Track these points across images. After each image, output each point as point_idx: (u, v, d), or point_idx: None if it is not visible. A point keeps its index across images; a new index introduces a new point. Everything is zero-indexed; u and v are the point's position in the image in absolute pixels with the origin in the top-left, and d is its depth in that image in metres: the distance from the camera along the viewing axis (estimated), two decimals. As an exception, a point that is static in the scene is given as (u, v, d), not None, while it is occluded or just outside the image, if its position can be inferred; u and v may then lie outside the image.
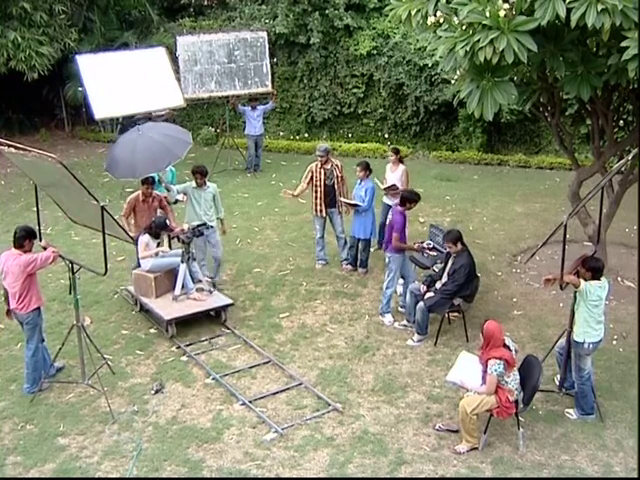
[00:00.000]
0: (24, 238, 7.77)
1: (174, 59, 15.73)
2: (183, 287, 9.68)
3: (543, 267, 11.40)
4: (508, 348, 6.98)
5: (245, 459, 7.00)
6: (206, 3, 20.77)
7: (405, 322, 9.52)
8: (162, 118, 14.66)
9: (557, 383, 7.99)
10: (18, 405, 7.87)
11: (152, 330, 9.51)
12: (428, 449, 7.15)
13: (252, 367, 8.61)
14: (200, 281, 9.97)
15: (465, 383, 7.19)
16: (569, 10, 7.47)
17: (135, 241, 9.85)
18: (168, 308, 9.42)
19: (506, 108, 16.45)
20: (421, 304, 9.02)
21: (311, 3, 17.67)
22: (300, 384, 8.24)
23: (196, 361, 8.73)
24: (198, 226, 10.00)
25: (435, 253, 10.10)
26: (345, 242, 11.38)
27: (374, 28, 18.14)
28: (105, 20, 18.32)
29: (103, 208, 6.89)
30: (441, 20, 8.49)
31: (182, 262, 9.69)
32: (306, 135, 19.24)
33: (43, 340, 8.22)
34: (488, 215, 13.88)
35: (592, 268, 7.27)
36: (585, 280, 7.25)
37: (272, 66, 17.03)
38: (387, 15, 17.77)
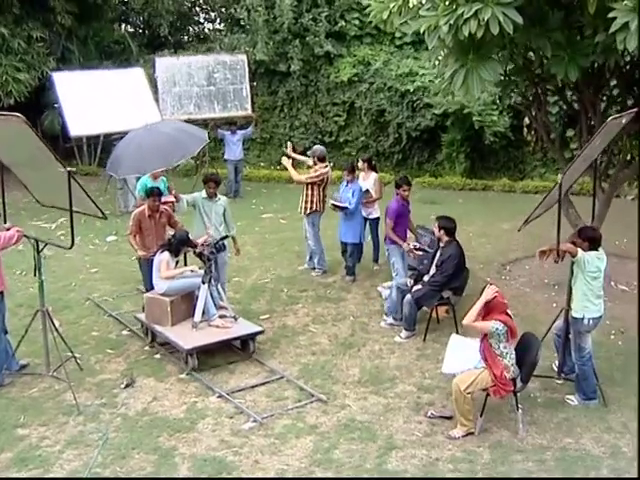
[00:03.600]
0: (-15, 217, 7.32)
1: (154, 86, 15.53)
2: (204, 313, 8.33)
3: (534, 274, 11.08)
4: (511, 317, 6.53)
5: (221, 446, 6.42)
6: (186, 39, 20.75)
7: (392, 320, 9.05)
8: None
9: (555, 369, 7.53)
10: (-24, 400, 7.28)
11: (124, 332, 8.97)
12: (420, 435, 6.61)
13: (230, 363, 8.08)
14: (223, 307, 8.67)
15: (465, 367, 6.67)
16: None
17: (148, 262, 8.83)
18: (187, 337, 8.03)
19: (490, 130, 16.39)
20: (408, 297, 8.58)
21: (291, 31, 17.67)
22: (281, 377, 7.71)
23: (170, 358, 8.19)
24: (221, 239, 8.81)
25: (421, 253, 9.73)
26: (312, 251, 11.03)
27: (355, 55, 18.12)
28: (84, 51, 18.16)
29: (70, 174, 6.48)
30: (423, 1, 8.33)
31: (203, 283, 8.35)
32: (287, 165, 18.97)
33: (6, 332, 7.69)
34: (474, 231, 13.54)
35: (589, 238, 6.90)
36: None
37: (252, 96, 16.85)
38: (368, 44, 18.12)
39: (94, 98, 13.55)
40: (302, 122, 18.75)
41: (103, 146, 18.22)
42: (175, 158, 8.91)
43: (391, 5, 9.29)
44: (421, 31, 8.09)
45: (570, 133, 14.76)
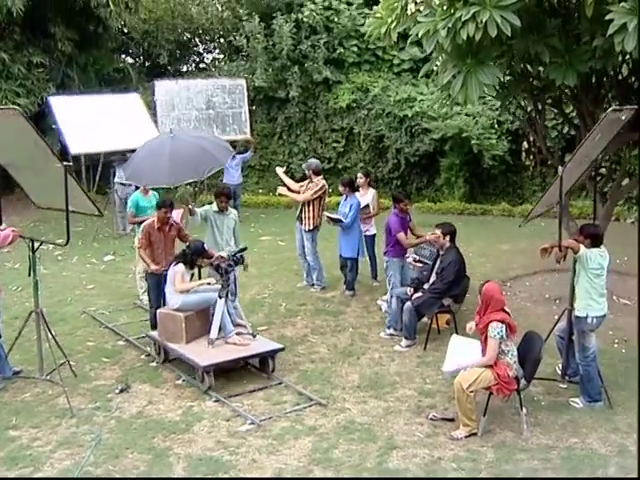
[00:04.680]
0: (-19, 217, 7.23)
1: (153, 109, 15.56)
2: (220, 330, 7.88)
3: (534, 290, 10.98)
4: (508, 314, 6.41)
5: (217, 447, 6.28)
6: (185, 68, 20.91)
7: (392, 331, 8.91)
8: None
9: (559, 372, 7.38)
10: (-32, 404, 7.13)
11: (120, 342, 8.83)
12: (422, 435, 6.46)
13: (227, 371, 7.91)
14: (240, 325, 8.28)
15: (463, 364, 6.53)
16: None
17: (159, 277, 8.48)
18: (203, 354, 7.59)
19: (488, 154, 16.36)
20: (408, 304, 8.47)
21: (290, 58, 17.76)
22: (280, 383, 7.57)
23: (167, 365, 8.04)
24: (240, 251, 8.44)
25: (421, 265, 9.66)
26: (310, 267, 10.90)
27: (353, 82, 18.17)
28: (84, 78, 18.17)
29: (66, 169, 6.42)
30: (421, 8, 8.36)
31: (220, 297, 7.88)
32: (286, 191, 18.94)
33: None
34: (474, 251, 13.40)
35: (591, 234, 6.83)
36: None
37: (252, 121, 16.88)
38: (366, 71, 18.23)
39: (92, 119, 13.53)
40: (301, 149, 18.74)
41: (102, 173, 18.24)
42: (206, 169, 8.50)
43: (389, 20, 9.34)
44: (419, 35, 8.09)
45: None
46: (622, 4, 7.25)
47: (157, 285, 8.61)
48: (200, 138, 8.97)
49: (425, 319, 8.80)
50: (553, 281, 11.26)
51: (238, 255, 8.35)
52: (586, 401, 6.90)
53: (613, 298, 10.34)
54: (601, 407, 6.88)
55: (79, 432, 6.51)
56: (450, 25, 7.61)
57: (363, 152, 18.22)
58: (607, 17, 7.26)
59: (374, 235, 11.04)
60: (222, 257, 8.19)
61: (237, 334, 8.00)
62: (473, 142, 16.16)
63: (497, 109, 17.04)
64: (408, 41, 8.95)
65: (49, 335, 7.45)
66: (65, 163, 6.43)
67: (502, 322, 6.28)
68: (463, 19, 7.47)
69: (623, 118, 6.81)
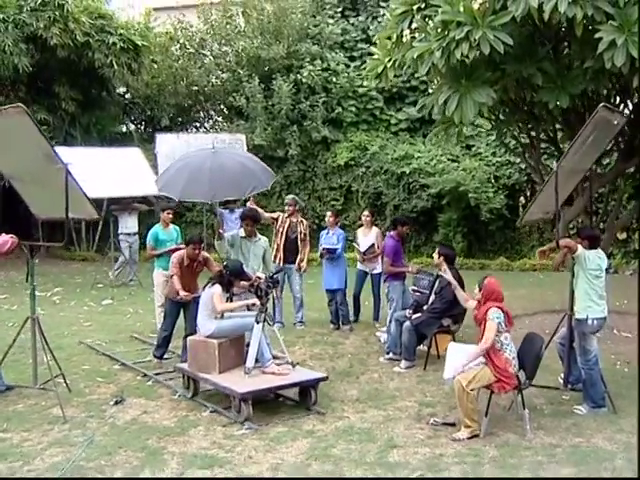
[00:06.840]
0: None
1: (153, 160, 15.79)
2: (257, 360, 7.22)
3: (534, 327, 10.87)
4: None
5: (212, 446, 6.13)
6: (187, 133, 21.28)
7: (391, 355, 8.80)
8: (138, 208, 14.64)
9: (561, 380, 7.27)
10: (-41, 414, 6.98)
11: (116, 366, 8.70)
12: (422, 437, 6.32)
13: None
14: (276, 357, 7.67)
15: (463, 363, 6.43)
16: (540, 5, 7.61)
17: (177, 305, 8.36)
18: (240, 383, 6.91)
19: (485, 207, 16.49)
20: (407, 323, 8.41)
21: (289, 117, 18.17)
22: (278, 397, 7.42)
23: (163, 383, 7.92)
24: (276, 272, 7.95)
25: (419, 294, 9.63)
26: (301, 303, 10.73)
27: (351, 141, 18.52)
28: (86, 137, 18.50)
29: (68, 171, 6.48)
30: (416, 34, 8.65)
31: (257, 322, 7.23)
32: (284, 250, 19.00)
33: (-7, 352, 7.48)
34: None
35: (588, 236, 6.87)
36: (583, 250, 6.81)
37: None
38: (364, 130, 18.55)
39: (94, 168, 13.66)
40: (299, 207, 18.88)
41: (101, 233, 18.39)
42: (249, 188, 8.35)
43: (386, 59, 9.65)
44: (414, 57, 8.31)
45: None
46: (610, 22, 7.51)
47: (175, 312, 8.51)
48: (242, 156, 8.99)
49: (424, 347, 8.72)
50: (553, 320, 11.14)
51: (276, 277, 7.94)
52: (590, 407, 6.77)
53: (614, 332, 10.34)
54: (605, 413, 6.75)
55: (71, 435, 6.37)
56: (444, 45, 7.86)
57: (361, 209, 18.32)
58: (596, 35, 7.51)
59: (380, 273, 10.62)
60: (260, 278, 7.74)
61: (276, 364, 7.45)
62: (470, 195, 16.32)
63: (494, 164, 17.36)
64: (405, 70, 9.18)
65: (44, 345, 7.34)
66: (67, 163, 6.47)
67: (501, 309, 6.28)
68: (457, 38, 7.73)
69: (615, 123, 6.93)
